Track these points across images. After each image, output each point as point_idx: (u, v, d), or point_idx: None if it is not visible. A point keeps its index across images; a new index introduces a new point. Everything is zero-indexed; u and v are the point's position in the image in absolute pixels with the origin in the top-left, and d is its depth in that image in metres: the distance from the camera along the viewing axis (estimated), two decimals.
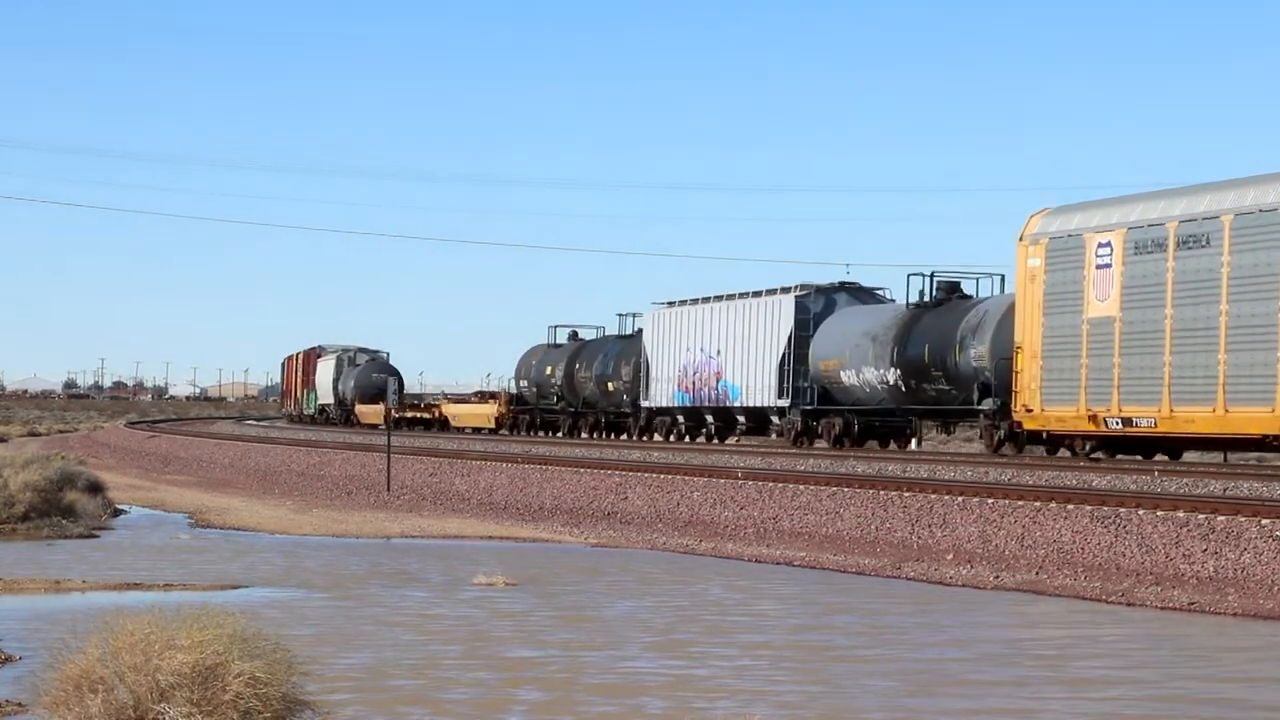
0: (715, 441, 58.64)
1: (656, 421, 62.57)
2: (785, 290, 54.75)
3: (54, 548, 28.60)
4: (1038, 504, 26.92)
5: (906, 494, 29.63)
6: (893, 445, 50.72)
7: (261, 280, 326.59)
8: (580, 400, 70.23)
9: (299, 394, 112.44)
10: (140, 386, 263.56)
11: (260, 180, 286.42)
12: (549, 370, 73.10)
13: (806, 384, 52.03)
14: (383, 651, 17.18)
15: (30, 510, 31.65)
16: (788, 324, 53.63)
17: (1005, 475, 33.71)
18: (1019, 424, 40.47)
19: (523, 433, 75.21)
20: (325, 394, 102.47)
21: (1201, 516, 24.05)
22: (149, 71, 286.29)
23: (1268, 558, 22.26)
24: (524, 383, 76.71)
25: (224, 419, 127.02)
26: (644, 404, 63.05)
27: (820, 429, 51.45)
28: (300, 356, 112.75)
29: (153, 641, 11.24)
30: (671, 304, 62.40)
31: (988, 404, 42.22)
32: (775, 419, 54.36)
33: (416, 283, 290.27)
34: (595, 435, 69.04)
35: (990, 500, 27.85)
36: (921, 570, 25.41)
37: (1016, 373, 40.09)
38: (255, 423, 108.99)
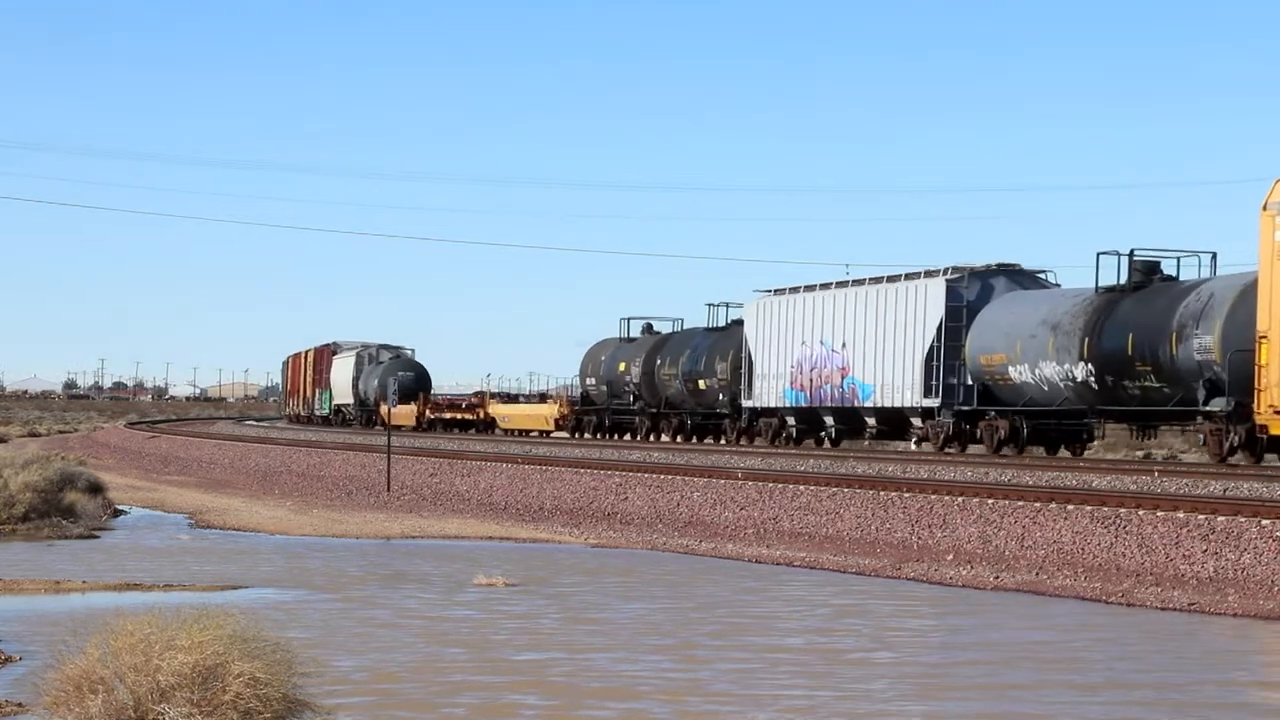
0: (828, 446, 52.26)
1: (760, 424, 55.96)
2: (931, 274, 48.29)
3: (54, 548, 28.59)
4: (1038, 504, 26.91)
5: (906, 494, 29.63)
6: (1064, 450, 44.90)
7: (262, 280, 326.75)
8: (662, 400, 63.40)
9: (308, 393, 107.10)
10: (140, 387, 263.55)
11: (260, 180, 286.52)
12: (622, 367, 66.69)
13: (960, 381, 45.99)
14: (382, 652, 17.18)
15: (30, 511, 31.66)
16: (936, 312, 47.10)
17: (1005, 475, 33.71)
18: (1264, 428, 34.44)
19: (588, 436, 69.43)
20: (343, 393, 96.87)
21: (1201, 517, 24.04)
22: (150, 72, 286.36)
23: (1268, 558, 22.25)
24: (591, 381, 69.95)
25: (224, 419, 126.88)
26: (746, 404, 56.35)
27: (979, 432, 45.29)
28: (310, 355, 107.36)
29: (153, 642, 11.24)
30: (780, 291, 55.70)
31: (1218, 404, 36.41)
32: (916, 421, 48.03)
33: (418, 283, 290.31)
34: (680, 439, 62.35)
35: (990, 500, 27.84)
36: (921, 571, 25.41)
37: (1260, 367, 34.05)
38: (255, 423, 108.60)
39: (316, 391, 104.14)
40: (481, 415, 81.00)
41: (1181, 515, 24.39)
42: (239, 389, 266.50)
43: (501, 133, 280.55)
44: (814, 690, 15.34)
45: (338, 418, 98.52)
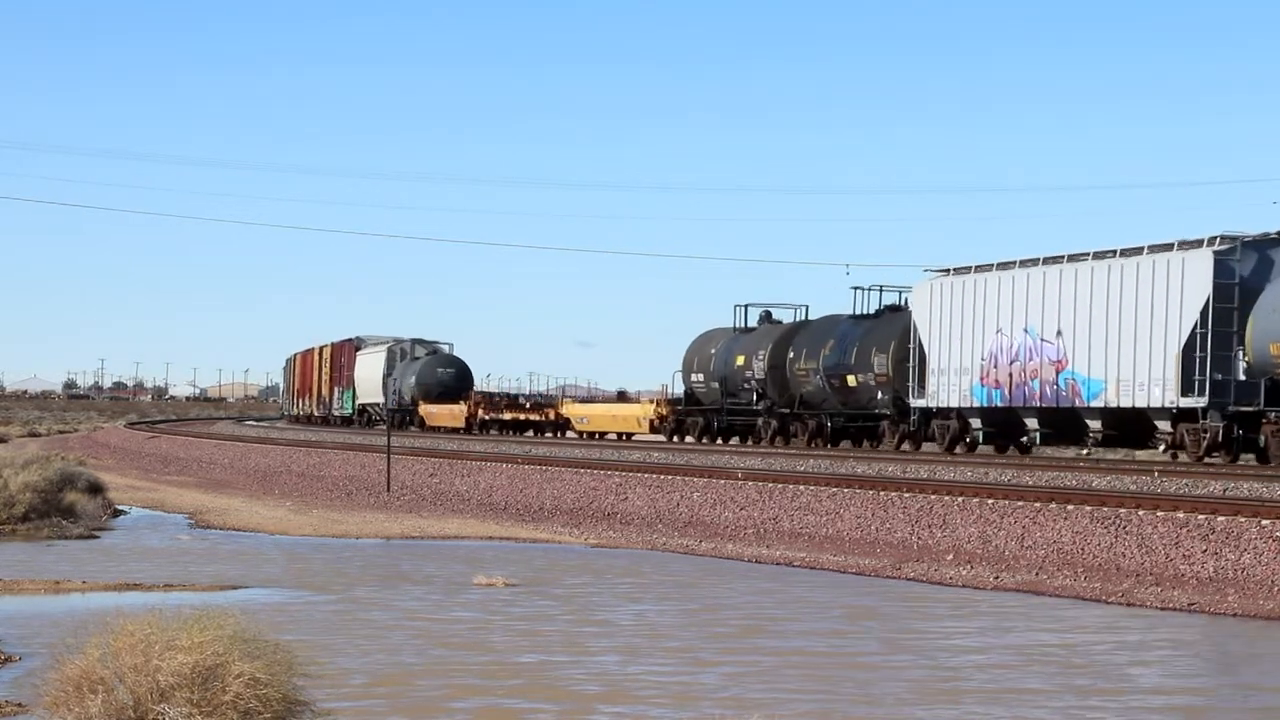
0: (1014, 454, 45.54)
1: (934, 427, 47.45)
2: (1190, 245, 39.87)
3: (54, 548, 28.60)
4: (1038, 504, 26.92)
5: (906, 494, 29.63)
6: None
7: (261, 280, 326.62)
8: (795, 399, 54.27)
9: (324, 392, 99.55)
10: (140, 387, 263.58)
11: (260, 180, 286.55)
12: (740, 361, 57.39)
13: (1231, 376, 37.92)
14: (382, 653, 17.18)
15: (30, 511, 31.67)
16: (1200, 291, 38.79)
17: (1005, 476, 33.72)
18: None
19: (690, 439, 60.46)
20: (370, 392, 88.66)
21: (1201, 517, 24.06)
22: (150, 72, 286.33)
23: (1268, 558, 22.26)
24: (698, 377, 60.67)
25: (224, 419, 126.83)
26: (915, 403, 47.84)
27: (1263, 438, 36.87)
28: (326, 351, 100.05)
29: (153, 642, 11.24)
30: (962, 270, 47.30)
31: None
32: (1164, 425, 40.06)
33: (418, 283, 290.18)
34: (819, 444, 52.61)
35: (990, 500, 27.85)
36: (921, 571, 25.41)
37: None
38: (255, 423, 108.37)
39: (335, 390, 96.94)
40: (552, 416, 73.42)
41: (1181, 515, 24.40)
42: (239, 389, 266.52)
43: (501, 133, 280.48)
44: (823, 695, 15.34)
45: (362, 418, 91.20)
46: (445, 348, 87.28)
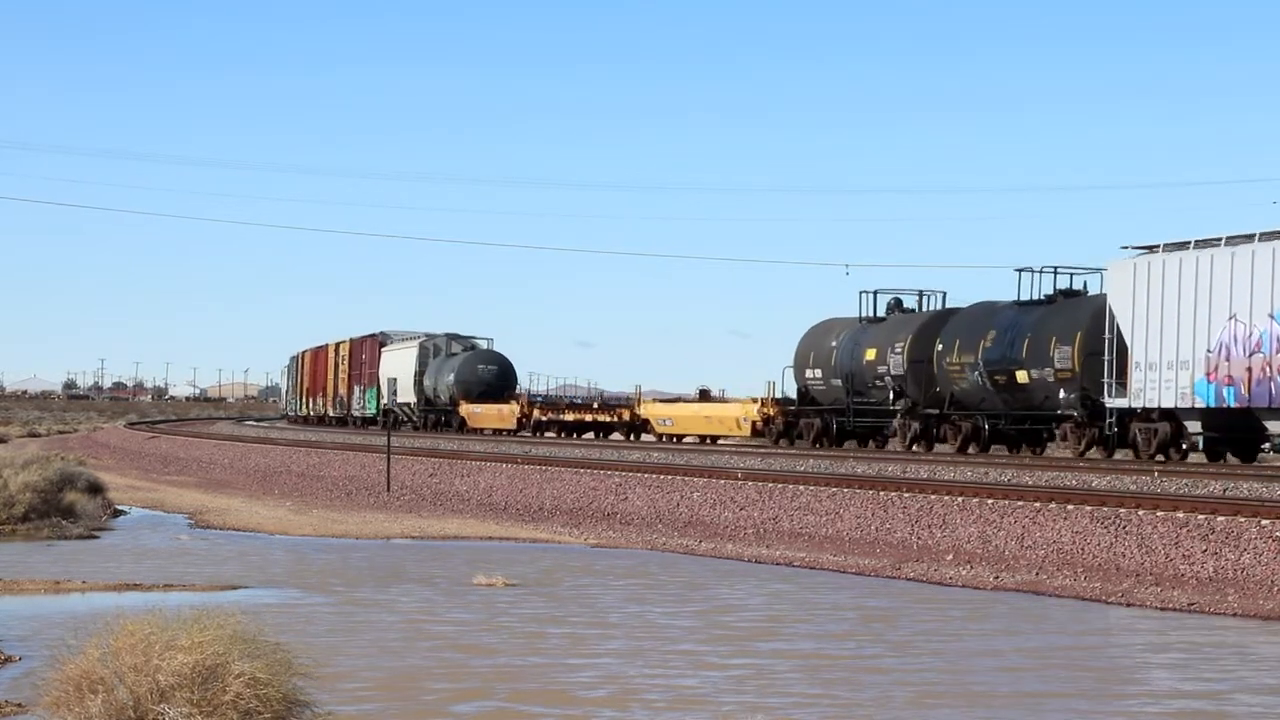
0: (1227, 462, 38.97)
1: (1136, 431, 40.17)
2: None
3: (54, 548, 28.60)
4: (1038, 504, 26.92)
5: (906, 494, 29.63)
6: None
7: (261, 281, 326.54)
8: (944, 398, 46.92)
9: (342, 391, 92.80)
10: (140, 387, 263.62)
11: (260, 180, 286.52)
12: (871, 354, 50.18)
13: None
14: (382, 653, 17.18)
15: (30, 511, 31.69)
16: None
17: (1005, 475, 33.71)
18: None
19: (806, 445, 52.24)
20: (401, 391, 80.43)
21: (1201, 517, 24.06)
22: (149, 72, 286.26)
23: (1268, 558, 22.26)
24: (816, 374, 53.15)
25: (224, 419, 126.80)
26: (1113, 403, 40.54)
27: None
28: (344, 347, 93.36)
29: (153, 642, 11.24)
30: (1175, 247, 39.41)
31: None
32: None
33: (420, 283, 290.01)
34: (974, 449, 46.03)
35: (990, 500, 27.85)
36: (921, 571, 25.40)
37: None
38: (255, 423, 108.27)
39: (356, 389, 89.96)
40: (626, 417, 66.03)
41: (1181, 515, 24.41)
42: (239, 389, 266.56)
43: (501, 133, 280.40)
44: (823, 696, 15.33)
45: (387, 419, 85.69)
46: (484, 343, 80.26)
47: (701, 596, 22.74)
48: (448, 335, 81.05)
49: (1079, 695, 15.27)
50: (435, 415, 78.54)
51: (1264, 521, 23.06)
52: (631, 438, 63.98)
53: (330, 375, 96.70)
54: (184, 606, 12.30)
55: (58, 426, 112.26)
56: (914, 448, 47.64)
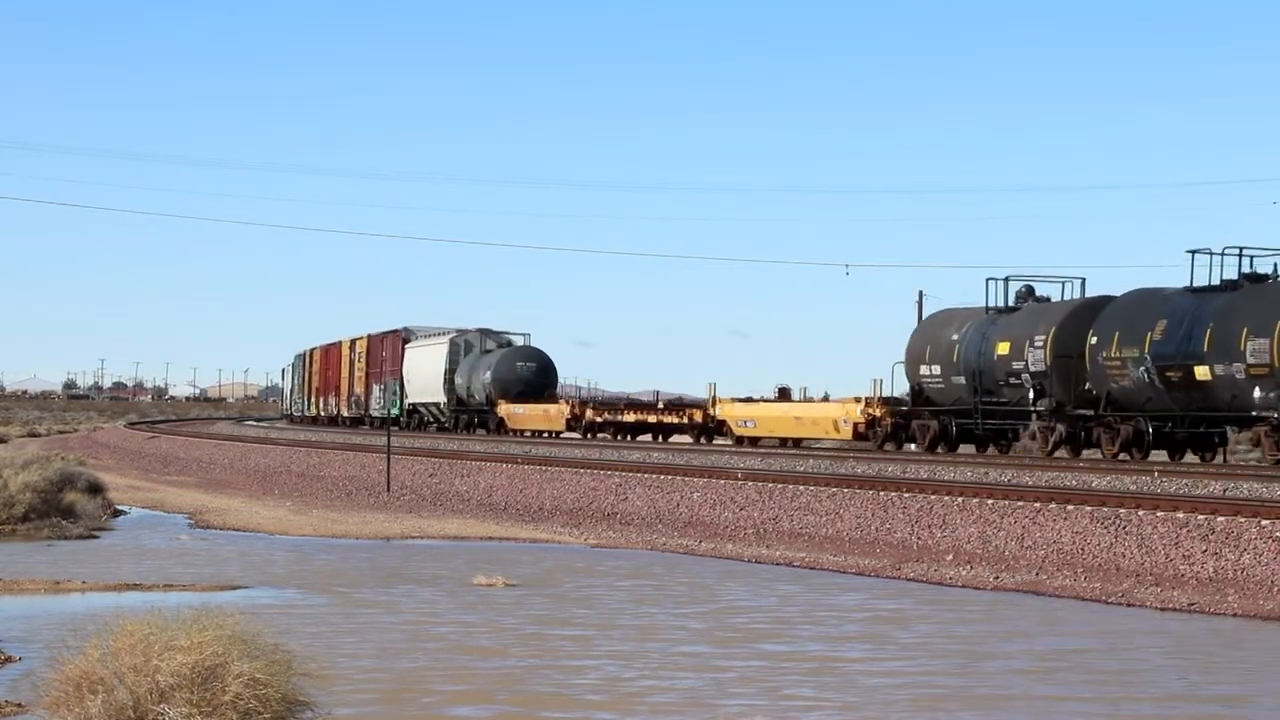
0: None
1: None
2: None
3: (54, 548, 28.60)
4: (1038, 504, 26.92)
5: (906, 494, 29.63)
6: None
7: (261, 281, 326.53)
8: (1100, 397, 40.82)
9: (357, 390, 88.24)
10: (140, 387, 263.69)
11: (260, 180, 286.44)
12: (1004, 348, 44.01)
13: None
14: (381, 653, 17.18)
15: (30, 511, 31.69)
16: None
17: (1005, 476, 33.71)
18: None
19: (918, 449, 46.71)
20: (424, 390, 77.69)
21: (1201, 517, 24.06)
22: (149, 72, 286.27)
23: (1268, 558, 22.25)
24: (933, 370, 46.60)
25: (224, 419, 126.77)
26: None
27: None
28: (359, 344, 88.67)
29: (153, 642, 11.25)
30: None
31: None
32: None
33: (419, 283, 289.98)
34: (1134, 454, 39.91)
35: (990, 500, 27.86)
36: (921, 571, 25.40)
37: None
38: (255, 423, 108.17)
39: (374, 388, 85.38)
40: (698, 418, 59.55)
41: (1181, 515, 24.41)
42: (239, 389, 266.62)
43: (501, 133, 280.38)
44: (826, 699, 15.32)
45: (412, 420, 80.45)
46: (519, 339, 75.28)
47: (705, 597, 22.73)
48: (480, 331, 76.03)
49: (1096, 700, 15.23)
50: (468, 415, 73.72)
51: (1264, 521, 23.06)
52: (701, 441, 58.35)
53: (345, 373, 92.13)
54: (184, 607, 12.31)
55: (58, 426, 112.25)
56: (1055, 454, 41.43)
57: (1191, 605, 21.35)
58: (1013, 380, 43.78)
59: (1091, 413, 41.03)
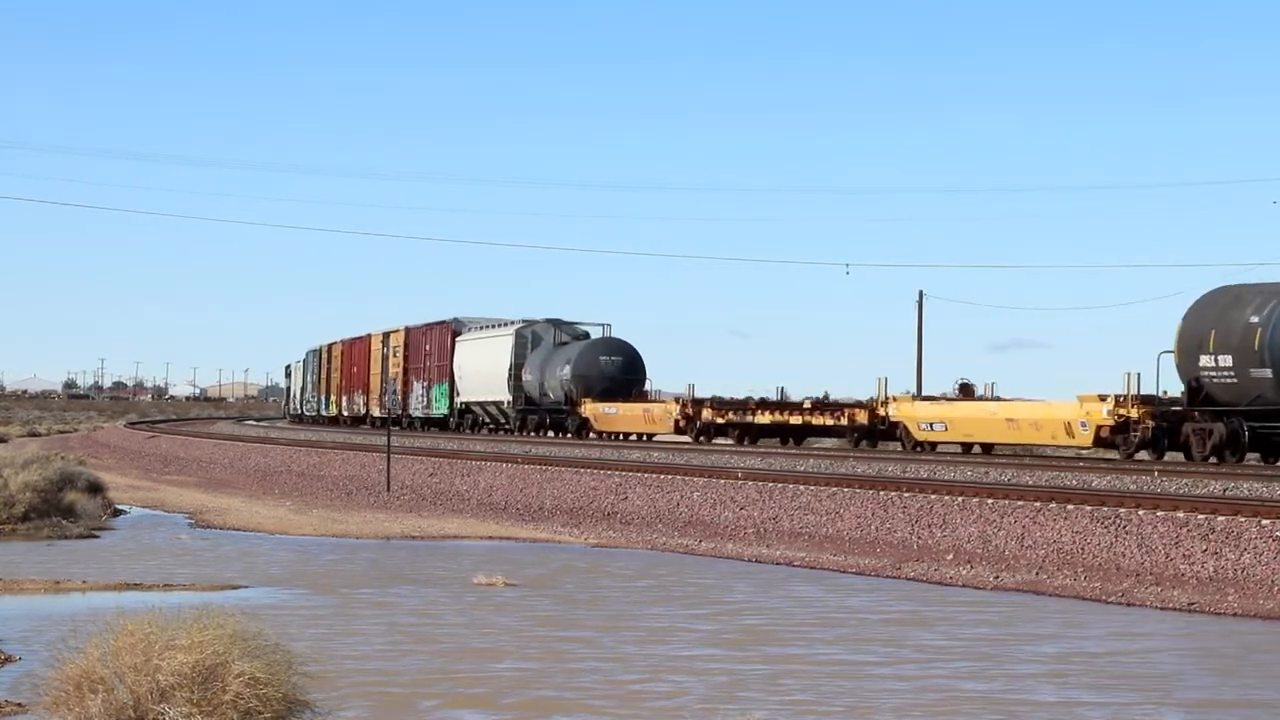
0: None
1: None
2: None
3: (54, 548, 28.60)
4: (1038, 504, 26.93)
5: (906, 494, 29.64)
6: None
7: (262, 280, 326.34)
8: None
9: (399, 388, 78.40)
10: (140, 387, 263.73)
11: (260, 180, 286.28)
12: None
13: None
14: (381, 652, 17.18)
15: (30, 510, 31.69)
16: None
17: (1005, 475, 33.72)
18: None
19: (1199, 456, 38.15)
20: (482, 387, 70.50)
21: (1201, 516, 24.07)
22: (149, 71, 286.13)
23: (1268, 558, 22.26)
24: (1218, 361, 37.71)
25: (224, 419, 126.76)
26: None
27: None
28: (395, 337, 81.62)
29: (153, 642, 11.25)
30: None
31: None
32: None
33: (421, 283, 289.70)
34: None
35: (990, 500, 27.87)
36: (922, 570, 25.41)
37: None
38: (255, 423, 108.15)
39: (415, 385, 78.50)
40: (859, 419, 50.89)
41: (1181, 515, 24.42)
42: (239, 389, 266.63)
43: (501, 133, 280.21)
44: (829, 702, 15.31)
45: (464, 421, 73.29)
46: (596, 329, 66.83)
47: (708, 598, 22.74)
48: (549, 321, 68.24)
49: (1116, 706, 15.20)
50: (538, 416, 65.87)
51: (1264, 521, 23.07)
52: (862, 445, 50.19)
53: (375, 370, 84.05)
54: (184, 606, 12.30)
55: (58, 426, 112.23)
56: None
57: (1192, 605, 21.36)
58: None
59: None
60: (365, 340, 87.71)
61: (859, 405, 51.60)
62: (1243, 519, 23.43)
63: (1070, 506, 26.30)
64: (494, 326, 71.89)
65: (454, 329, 75.08)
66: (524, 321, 69.07)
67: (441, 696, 14.76)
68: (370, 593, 22.59)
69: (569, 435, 62.42)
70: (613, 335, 65.68)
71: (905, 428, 48.48)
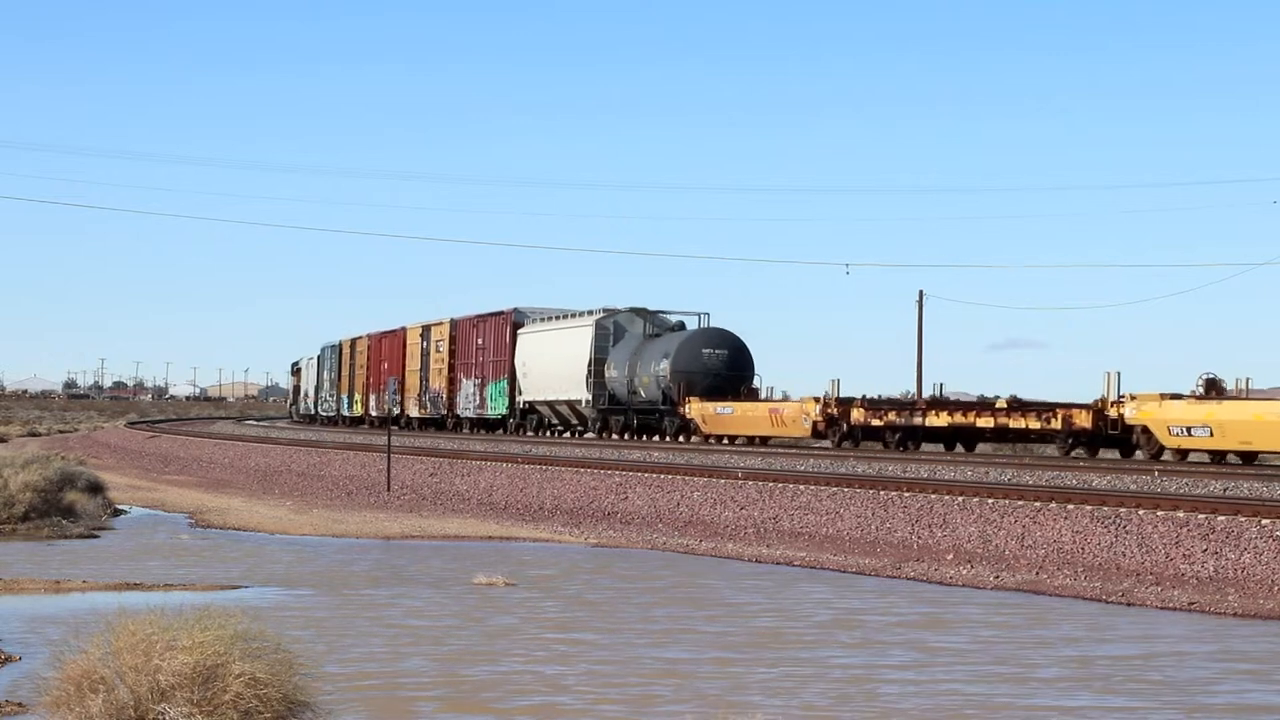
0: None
1: None
2: None
3: (54, 548, 28.60)
4: (1038, 504, 26.94)
5: (906, 494, 29.64)
6: None
7: (262, 280, 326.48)
8: None
9: (436, 386, 74.43)
10: (140, 386, 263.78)
11: (260, 180, 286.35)
12: None
13: None
14: (382, 652, 17.17)
15: (30, 510, 31.69)
16: None
17: (1005, 475, 33.72)
18: None
19: None
20: (550, 386, 64.15)
21: (1201, 516, 24.08)
22: (149, 72, 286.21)
23: (1268, 558, 22.27)
24: None
25: (224, 419, 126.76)
26: None
27: None
28: (437, 330, 75.22)
29: (153, 642, 11.25)
30: None
31: None
32: None
33: (420, 283, 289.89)
34: None
35: (990, 500, 27.87)
36: (922, 570, 25.41)
37: None
38: (255, 423, 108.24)
39: (465, 383, 72.03)
40: (1080, 422, 43.00)
41: (1181, 515, 24.43)
42: (239, 389, 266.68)
43: (501, 133, 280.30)
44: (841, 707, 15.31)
45: (527, 422, 66.85)
46: (691, 319, 59.43)
47: (710, 599, 22.73)
48: (633, 310, 61.24)
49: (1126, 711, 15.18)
50: (623, 416, 59.42)
51: (1264, 521, 23.08)
52: (1080, 453, 42.80)
53: (413, 366, 78.14)
54: (185, 606, 12.30)
55: (58, 426, 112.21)
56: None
57: (1192, 604, 21.35)
58: None
59: None
60: (399, 334, 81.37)
61: (1074, 405, 43.54)
62: (1243, 519, 23.44)
63: (1070, 506, 26.31)
64: (566, 317, 64.71)
65: (515, 320, 67.88)
66: (605, 310, 62.11)
67: (441, 699, 14.76)
68: (371, 593, 22.59)
69: (669, 438, 55.94)
70: (713, 325, 58.36)
71: (1149, 433, 40.62)
